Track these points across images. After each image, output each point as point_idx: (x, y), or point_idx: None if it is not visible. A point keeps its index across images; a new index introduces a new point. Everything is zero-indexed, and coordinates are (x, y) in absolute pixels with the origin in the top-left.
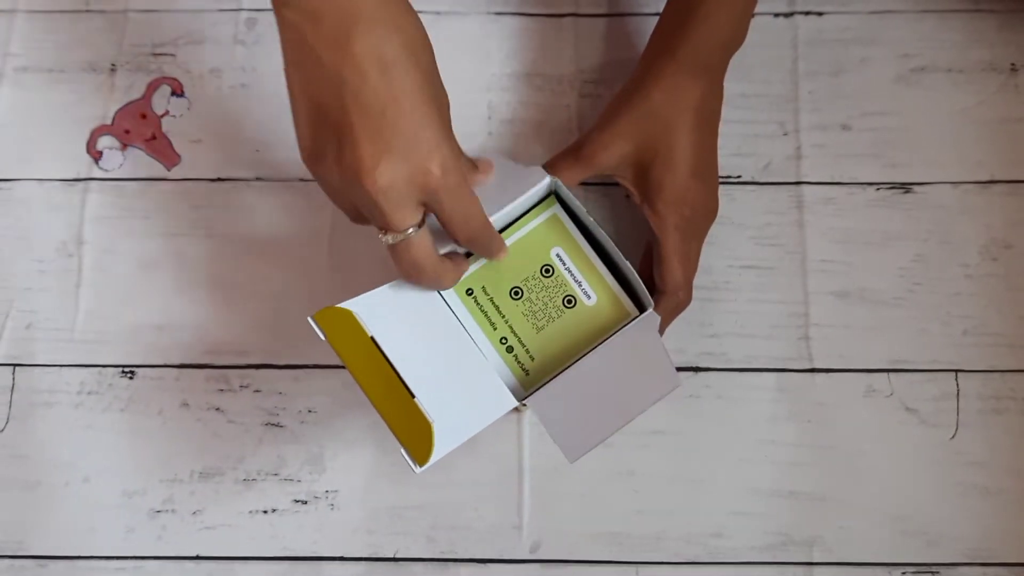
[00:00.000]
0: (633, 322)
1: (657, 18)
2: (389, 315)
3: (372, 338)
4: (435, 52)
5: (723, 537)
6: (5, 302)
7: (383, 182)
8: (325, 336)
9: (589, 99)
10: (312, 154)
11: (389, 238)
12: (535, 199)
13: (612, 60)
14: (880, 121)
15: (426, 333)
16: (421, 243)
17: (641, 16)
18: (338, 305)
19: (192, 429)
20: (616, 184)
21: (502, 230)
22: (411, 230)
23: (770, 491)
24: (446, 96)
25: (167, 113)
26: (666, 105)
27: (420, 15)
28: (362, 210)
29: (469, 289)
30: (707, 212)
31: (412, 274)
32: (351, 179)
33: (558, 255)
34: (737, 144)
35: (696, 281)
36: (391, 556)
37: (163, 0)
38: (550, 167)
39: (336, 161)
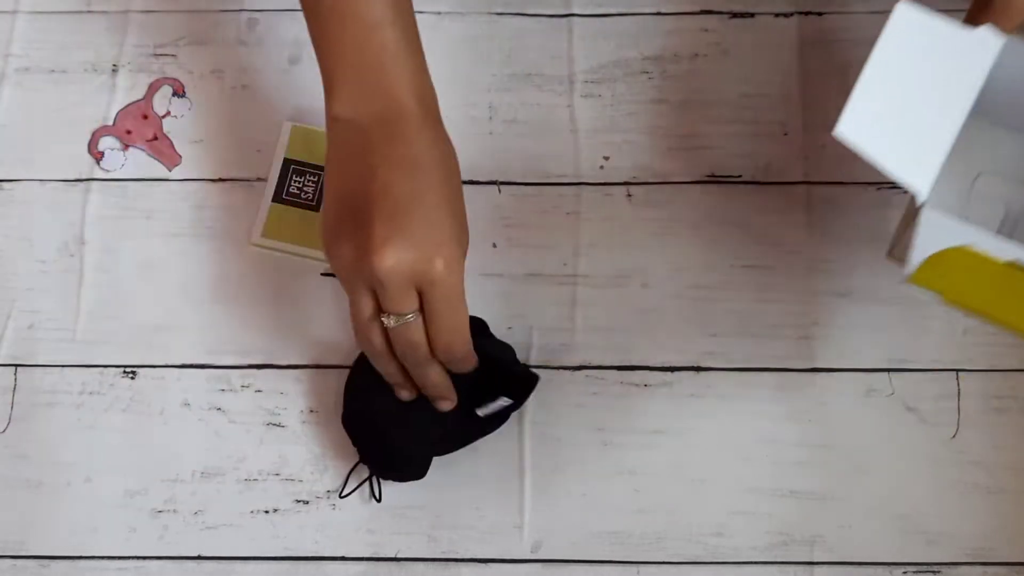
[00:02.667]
0: None
1: (657, 18)
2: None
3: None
4: (436, 53)
5: (724, 536)
6: (7, 302)
7: (389, 262)
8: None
9: (589, 99)
10: (331, 233)
11: (391, 320)
12: None
13: (612, 60)
14: None
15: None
16: (418, 327)
17: (641, 16)
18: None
19: (194, 429)
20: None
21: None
22: (410, 315)
23: (771, 490)
24: (464, 217)
25: (168, 114)
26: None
27: (421, 15)
28: (369, 290)
29: None
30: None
31: (408, 355)
32: (360, 256)
33: None
34: (738, 144)
35: (697, 281)
36: (392, 556)
37: (165, 1)
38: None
39: (350, 238)
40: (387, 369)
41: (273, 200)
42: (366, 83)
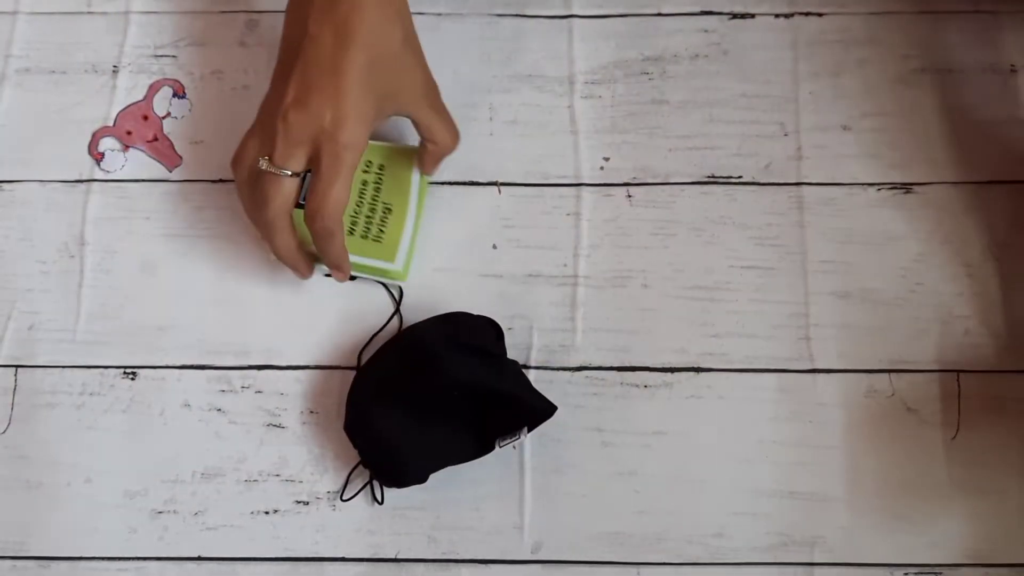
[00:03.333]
0: None
1: (657, 19)
2: None
3: None
4: (436, 54)
5: (724, 537)
6: (7, 303)
7: (289, 118)
8: None
9: (590, 100)
10: (271, 82)
11: (263, 163)
12: None
13: (612, 61)
14: (880, 122)
15: None
16: (286, 189)
17: (641, 17)
18: None
19: (194, 430)
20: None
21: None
22: (287, 172)
23: (771, 491)
24: (388, 87)
25: (169, 114)
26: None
27: (422, 17)
28: (267, 138)
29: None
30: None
31: (256, 209)
32: (273, 108)
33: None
34: (738, 144)
35: (697, 281)
36: (392, 557)
37: (165, 2)
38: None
39: (275, 89)
40: (244, 207)
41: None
42: None
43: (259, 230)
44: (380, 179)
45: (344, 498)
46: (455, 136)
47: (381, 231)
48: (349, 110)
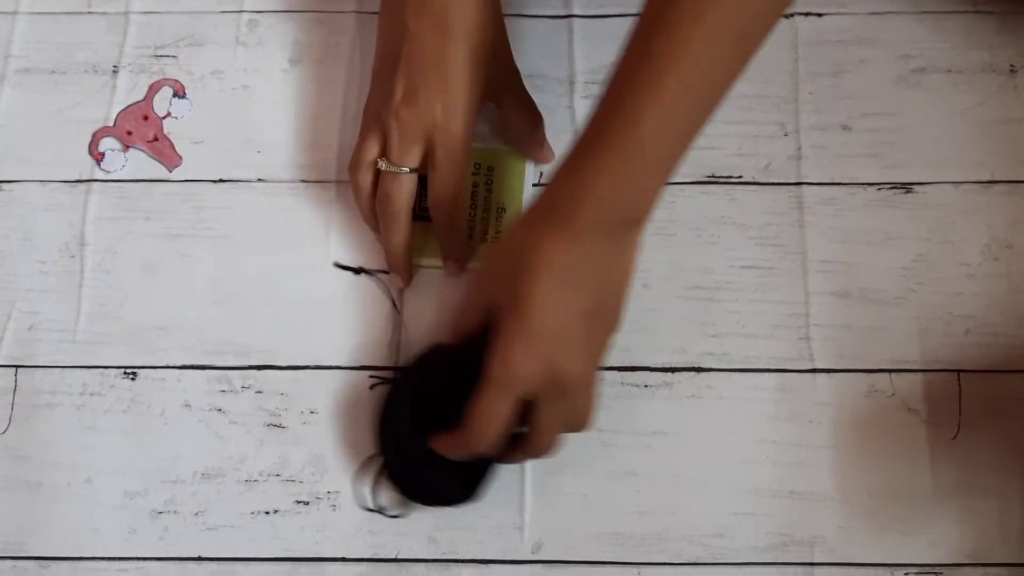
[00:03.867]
0: None
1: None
2: None
3: None
4: None
5: (724, 537)
6: (7, 303)
7: (399, 113)
8: None
9: (590, 100)
10: (372, 84)
11: (383, 164)
12: None
13: (612, 60)
14: (880, 122)
15: None
16: (405, 185)
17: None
18: None
19: (194, 430)
20: None
21: None
22: (405, 169)
23: (771, 491)
24: (503, 80)
25: (169, 115)
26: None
27: None
28: (379, 136)
29: None
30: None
31: (383, 206)
32: (381, 106)
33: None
34: (738, 144)
35: (698, 281)
36: (393, 557)
37: (165, 2)
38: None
39: (379, 89)
40: (363, 211)
41: None
42: None
43: (381, 227)
44: (490, 180)
45: (372, 509)
46: (537, 116)
47: (498, 232)
48: (458, 101)
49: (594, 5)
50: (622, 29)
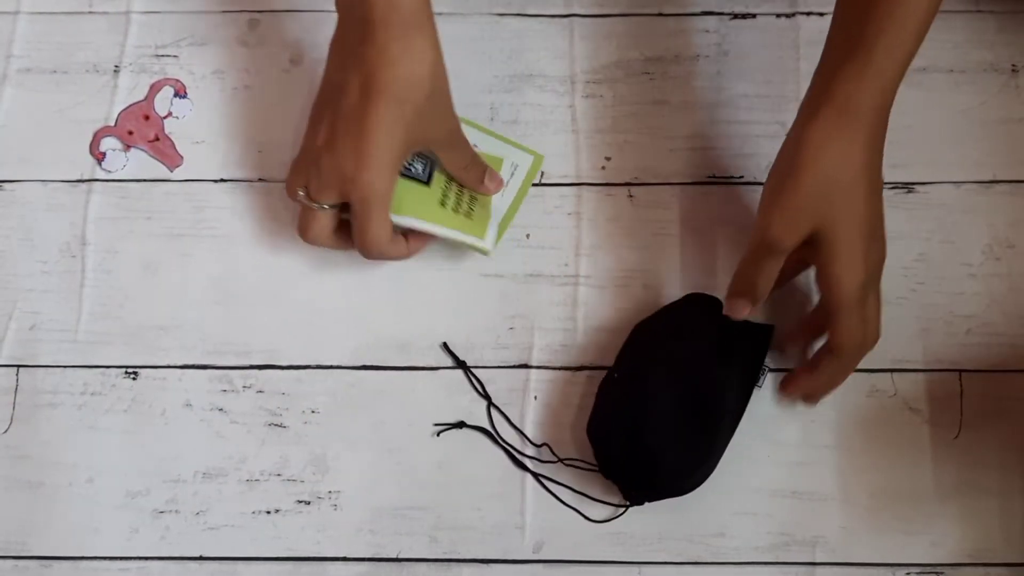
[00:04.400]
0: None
1: (658, 19)
2: None
3: None
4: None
5: (726, 537)
6: (9, 303)
7: (322, 161)
8: None
9: (591, 99)
10: (313, 111)
11: (302, 194)
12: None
13: (613, 60)
14: None
15: None
16: (322, 219)
17: (643, 17)
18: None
19: (195, 430)
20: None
21: None
22: (321, 206)
23: (773, 491)
24: (434, 134)
25: (170, 114)
26: (836, 169)
27: None
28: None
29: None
30: (879, 264)
31: (301, 232)
32: (309, 148)
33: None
34: (739, 144)
35: (700, 282)
36: (394, 556)
37: (166, 1)
38: (741, 275)
39: (313, 127)
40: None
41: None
42: None
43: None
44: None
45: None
46: (472, 161)
47: (471, 208)
48: (371, 159)
49: (595, 5)
50: (623, 29)
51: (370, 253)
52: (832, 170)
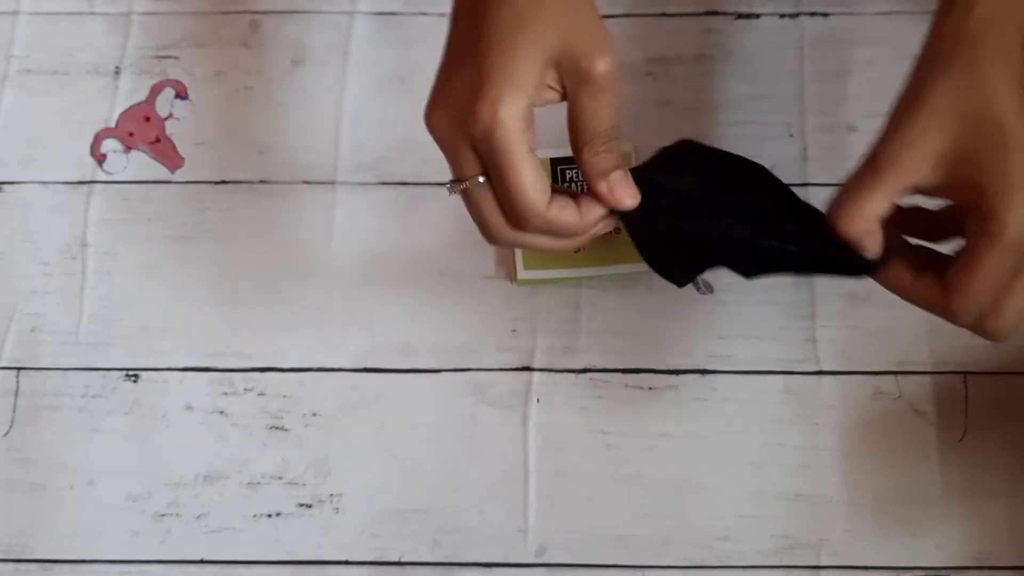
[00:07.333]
0: None
1: (662, 19)
2: None
3: None
4: (438, 55)
5: (730, 540)
6: (9, 305)
7: (432, 123)
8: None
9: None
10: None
11: (450, 188)
12: None
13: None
14: None
15: None
16: (481, 200)
17: (646, 17)
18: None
19: (196, 432)
20: None
21: None
22: (469, 182)
23: (777, 494)
24: (582, 31)
25: (171, 115)
26: (983, 71)
27: (424, 17)
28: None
29: None
30: None
31: (479, 228)
32: (426, 123)
33: None
34: (743, 145)
35: None
36: (396, 560)
37: (167, 2)
38: (843, 198)
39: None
40: (489, 234)
41: None
42: None
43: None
44: None
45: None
46: (610, 138)
47: None
48: (491, 77)
49: (598, 5)
50: (623, 29)
51: (527, 222)
52: (974, 73)
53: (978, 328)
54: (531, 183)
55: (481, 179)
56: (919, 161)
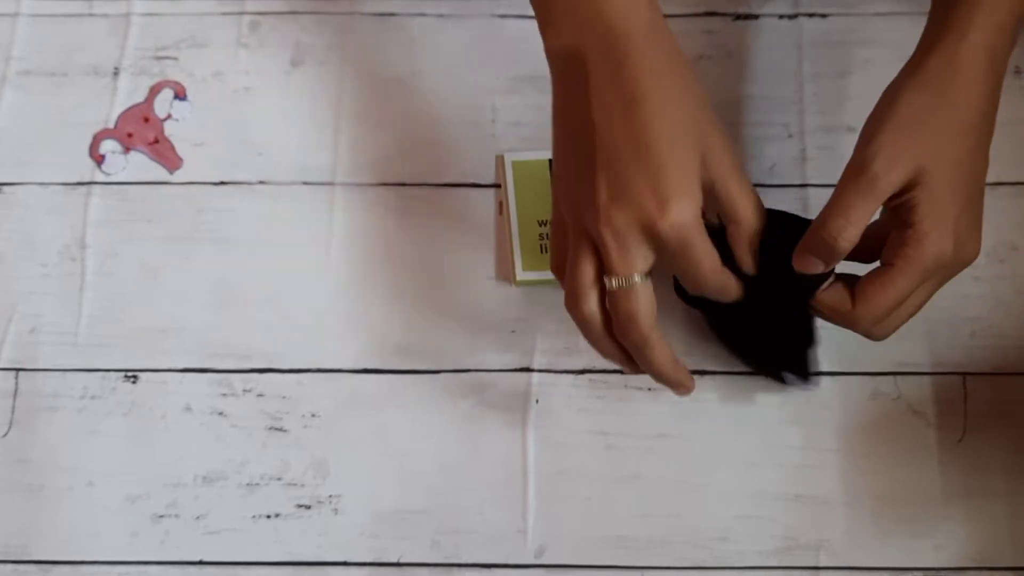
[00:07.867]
0: None
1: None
2: None
3: None
4: (439, 55)
5: (729, 541)
6: (8, 306)
7: (604, 217)
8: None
9: None
10: (557, 186)
11: (611, 282)
12: None
13: None
14: None
15: None
16: (643, 298)
17: None
18: None
19: (195, 433)
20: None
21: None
22: (634, 279)
23: (776, 495)
24: (717, 136)
25: (170, 116)
26: (967, 103)
27: (423, 18)
28: (591, 250)
29: None
30: (963, 258)
31: (626, 330)
32: (580, 213)
33: None
34: (742, 146)
35: None
36: (395, 561)
37: (166, 3)
38: (833, 205)
39: (571, 192)
40: (603, 348)
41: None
42: (581, 7)
43: (632, 353)
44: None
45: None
46: (759, 210)
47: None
48: (672, 186)
49: None
50: None
51: (708, 289)
52: (943, 108)
53: (867, 332)
54: (712, 262)
55: (647, 278)
56: (901, 175)
